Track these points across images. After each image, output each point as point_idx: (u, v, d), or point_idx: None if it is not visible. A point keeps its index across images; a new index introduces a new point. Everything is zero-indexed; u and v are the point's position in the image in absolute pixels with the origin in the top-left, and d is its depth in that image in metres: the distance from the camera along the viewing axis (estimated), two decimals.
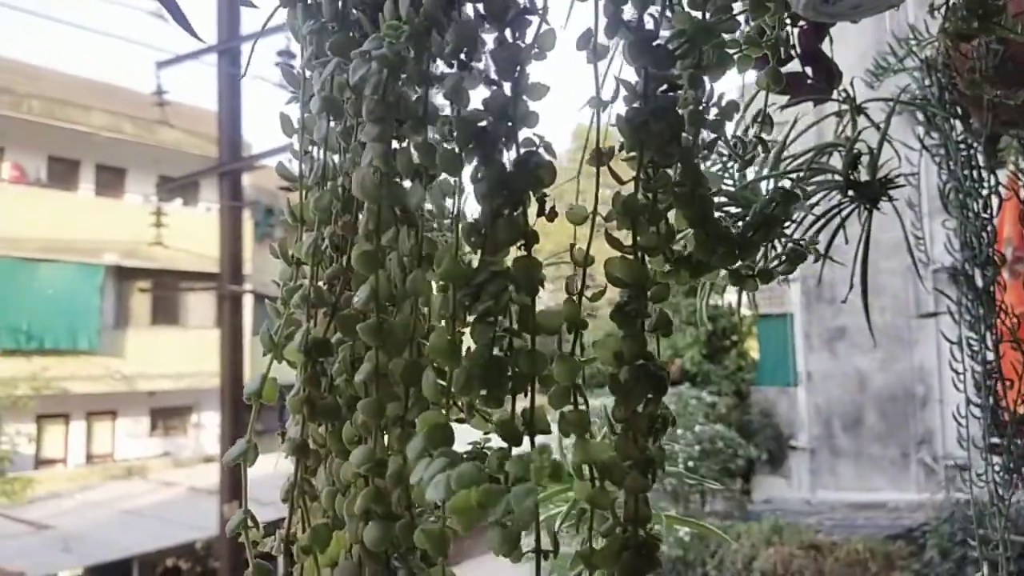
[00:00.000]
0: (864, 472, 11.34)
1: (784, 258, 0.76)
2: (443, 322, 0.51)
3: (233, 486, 8.26)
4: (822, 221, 1.02)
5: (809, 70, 0.94)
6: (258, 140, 10.93)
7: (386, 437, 0.55)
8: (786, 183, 0.87)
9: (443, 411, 0.51)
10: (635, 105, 0.59)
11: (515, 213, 0.52)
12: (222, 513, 8.16)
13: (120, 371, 16.21)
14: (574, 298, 0.55)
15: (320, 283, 0.59)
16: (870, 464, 11.33)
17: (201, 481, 14.26)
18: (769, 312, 12.20)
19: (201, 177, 9.95)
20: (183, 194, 17.16)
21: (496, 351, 0.51)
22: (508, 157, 0.53)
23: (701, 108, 0.67)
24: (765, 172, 1.00)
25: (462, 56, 0.54)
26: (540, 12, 0.56)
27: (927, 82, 1.33)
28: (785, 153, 1.02)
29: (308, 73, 0.61)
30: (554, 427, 0.52)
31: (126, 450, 16.96)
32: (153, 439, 17.58)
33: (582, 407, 0.52)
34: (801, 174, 0.95)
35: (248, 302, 10.45)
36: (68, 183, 16.53)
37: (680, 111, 0.63)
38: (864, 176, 1.03)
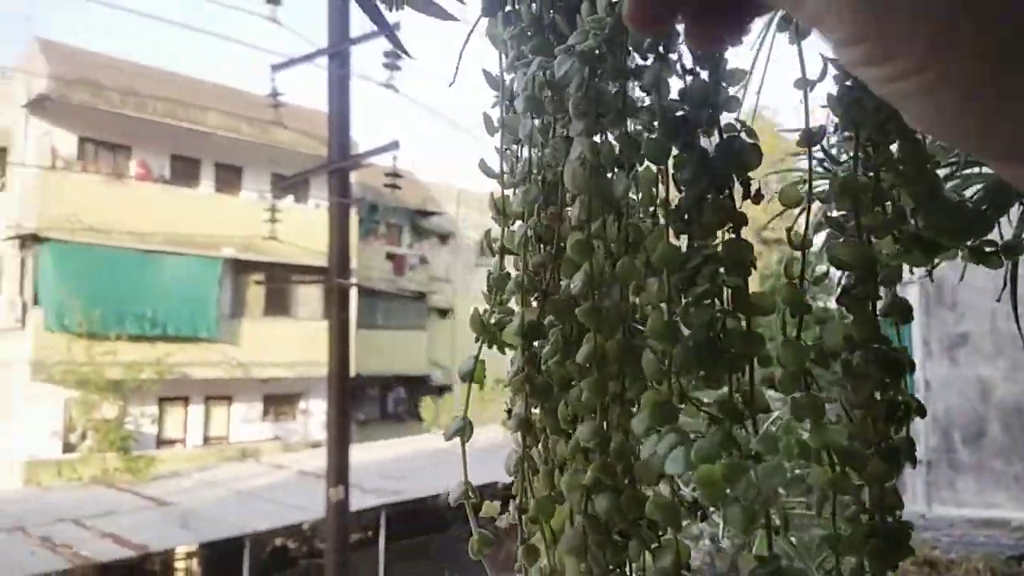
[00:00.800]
0: (985, 487, 10.65)
1: None
2: (661, 305, 0.52)
3: (339, 471, 8.62)
4: None
5: None
6: (364, 139, 11.31)
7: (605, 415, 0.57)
8: None
9: (663, 390, 0.52)
10: (847, 83, 0.57)
11: (721, 196, 0.53)
12: (328, 496, 8.54)
13: (236, 358, 17.13)
14: (795, 281, 0.54)
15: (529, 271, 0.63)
16: (992, 479, 10.64)
17: (308, 465, 14.86)
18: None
19: (312, 175, 10.36)
20: (294, 191, 17.93)
21: (711, 333, 0.52)
22: (710, 143, 0.54)
23: None
24: None
25: (659, 48, 0.55)
26: None
27: None
28: None
29: (509, 76, 0.64)
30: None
31: (240, 433, 17.89)
32: (265, 424, 18.50)
33: (814, 391, 0.52)
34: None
35: (354, 295, 10.81)
36: (190, 180, 17.49)
37: None
38: None
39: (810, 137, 0.58)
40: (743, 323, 0.52)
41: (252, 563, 11.97)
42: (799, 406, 0.52)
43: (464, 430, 0.62)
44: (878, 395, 0.53)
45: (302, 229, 13.66)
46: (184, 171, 17.53)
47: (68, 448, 15.34)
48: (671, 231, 0.54)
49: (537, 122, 0.61)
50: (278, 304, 18.24)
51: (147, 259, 15.79)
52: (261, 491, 13.27)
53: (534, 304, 0.61)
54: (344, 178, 9.10)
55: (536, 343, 0.59)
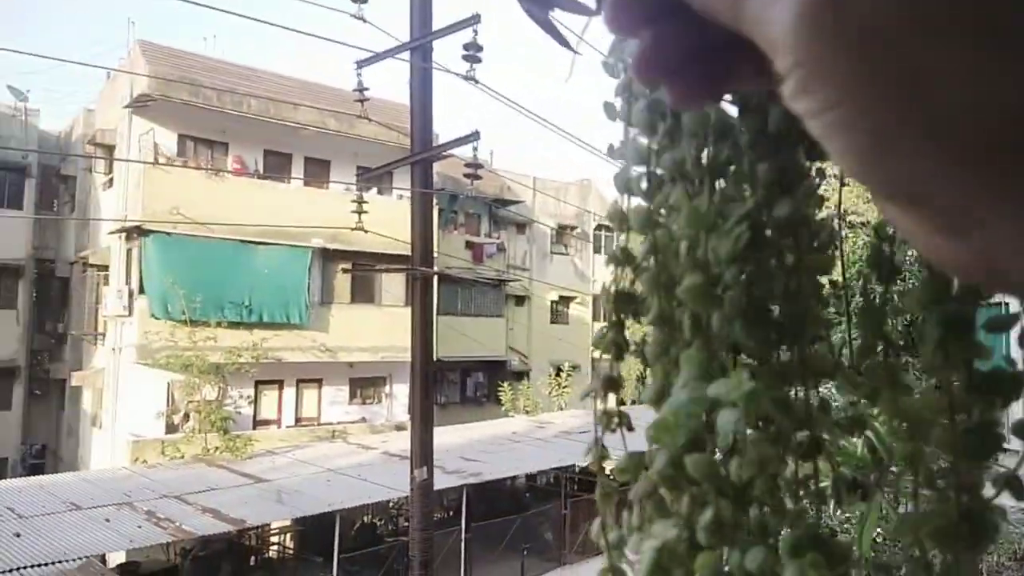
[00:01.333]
0: None
1: None
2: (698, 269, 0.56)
3: (423, 452, 8.76)
4: None
5: None
6: (444, 130, 11.40)
7: None
8: None
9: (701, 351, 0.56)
10: None
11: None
12: (413, 476, 8.70)
13: (324, 344, 17.66)
14: (885, 246, 0.55)
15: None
16: None
17: (393, 446, 15.20)
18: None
19: (395, 167, 10.51)
20: (378, 183, 18.20)
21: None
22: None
23: None
24: None
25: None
26: None
27: None
28: None
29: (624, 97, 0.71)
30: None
31: (329, 415, 18.46)
32: (352, 406, 19.00)
33: (892, 358, 0.51)
34: None
35: (435, 282, 10.96)
36: (281, 174, 18.07)
37: None
38: None
39: None
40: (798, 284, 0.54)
41: (341, 538, 12.29)
42: (874, 373, 0.51)
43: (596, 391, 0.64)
44: (961, 362, 0.50)
45: (386, 219, 13.80)
46: (276, 165, 18.12)
47: (171, 428, 16.07)
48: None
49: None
50: (364, 292, 18.67)
51: (243, 249, 16.40)
52: (349, 470, 13.58)
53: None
54: (426, 169, 9.12)
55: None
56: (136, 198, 15.90)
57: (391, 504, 14.21)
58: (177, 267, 15.39)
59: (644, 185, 0.65)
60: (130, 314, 15.86)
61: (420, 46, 8.85)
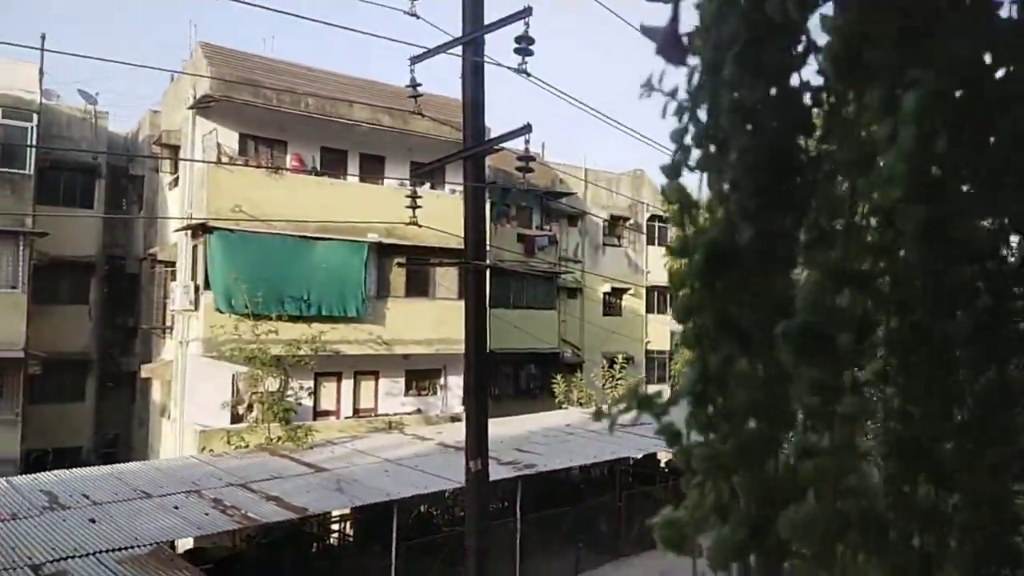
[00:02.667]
0: None
1: None
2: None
3: (478, 444, 8.78)
4: None
5: None
6: (496, 123, 11.41)
7: None
8: None
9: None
10: None
11: None
12: (468, 467, 8.72)
13: (380, 336, 17.88)
14: None
15: None
16: None
17: (448, 437, 15.31)
18: None
19: (448, 162, 10.57)
20: (431, 177, 18.28)
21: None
22: None
23: None
24: None
25: None
26: None
27: None
28: None
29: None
30: None
31: (386, 406, 18.70)
32: (408, 398, 19.22)
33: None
34: None
35: (487, 275, 10.97)
36: (338, 170, 18.32)
37: None
38: None
39: None
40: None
41: (399, 527, 12.41)
42: None
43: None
44: None
45: (439, 214, 13.85)
46: (333, 162, 18.38)
47: (236, 419, 16.53)
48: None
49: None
50: (418, 285, 18.82)
51: (302, 245, 16.72)
52: (406, 460, 13.74)
53: None
54: (479, 163, 9.12)
55: None
56: (200, 196, 16.36)
57: (447, 494, 14.31)
58: (240, 262, 15.80)
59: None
60: (196, 308, 16.31)
61: (472, 41, 8.81)
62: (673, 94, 0.76)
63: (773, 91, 0.70)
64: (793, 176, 0.71)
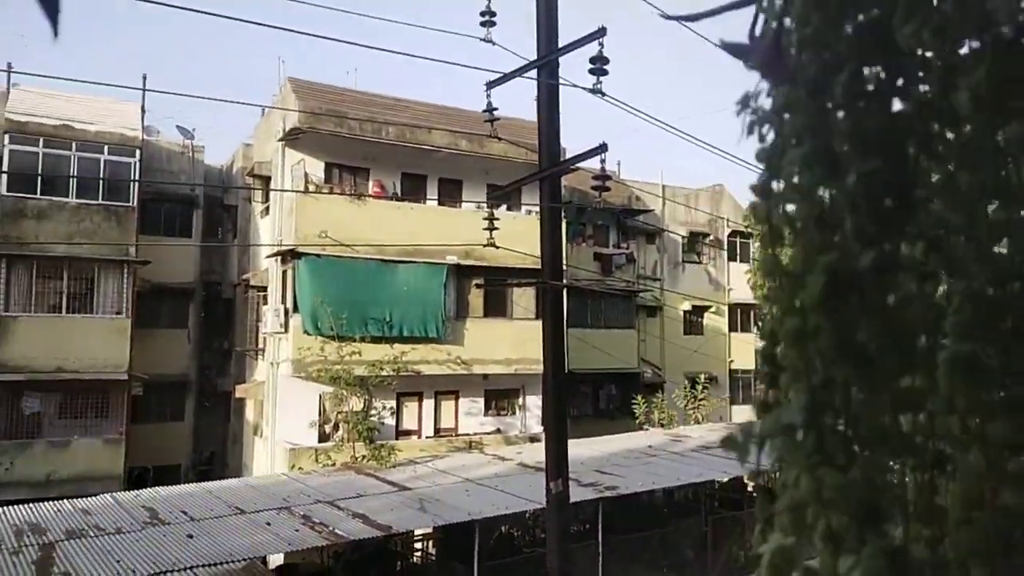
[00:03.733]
0: None
1: None
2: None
3: (558, 464, 8.65)
4: None
5: None
6: (572, 143, 11.44)
7: None
8: None
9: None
10: None
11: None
12: (549, 488, 8.62)
13: (460, 357, 18.07)
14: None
15: None
16: None
17: (528, 458, 15.23)
18: None
19: (524, 184, 10.64)
20: (507, 199, 18.50)
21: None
22: None
23: None
24: None
25: None
26: None
27: None
28: None
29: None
30: None
31: (466, 426, 18.83)
32: (487, 417, 19.32)
33: None
34: None
35: (565, 295, 10.91)
36: (417, 195, 18.75)
37: None
38: None
39: None
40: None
41: (481, 547, 12.45)
42: None
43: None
44: None
45: (516, 235, 13.91)
46: (413, 187, 18.82)
47: (323, 438, 16.96)
48: None
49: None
50: (496, 306, 18.97)
51: (384, 268, 17.12)
52: (487, 480, 13.76)
53: None
54: (555, 184, 9.14)
55: None
56: (289, 223, 16.98)
57: (528, 515, 14.23)
58: (325, 286, 16.29)
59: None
60: (286, 331, 16.84)
61: (547, 63, 8.84)
62: (756, 111, 0.76)
63: (893, 114, 0.70)
64: (915, 201, 0.70)
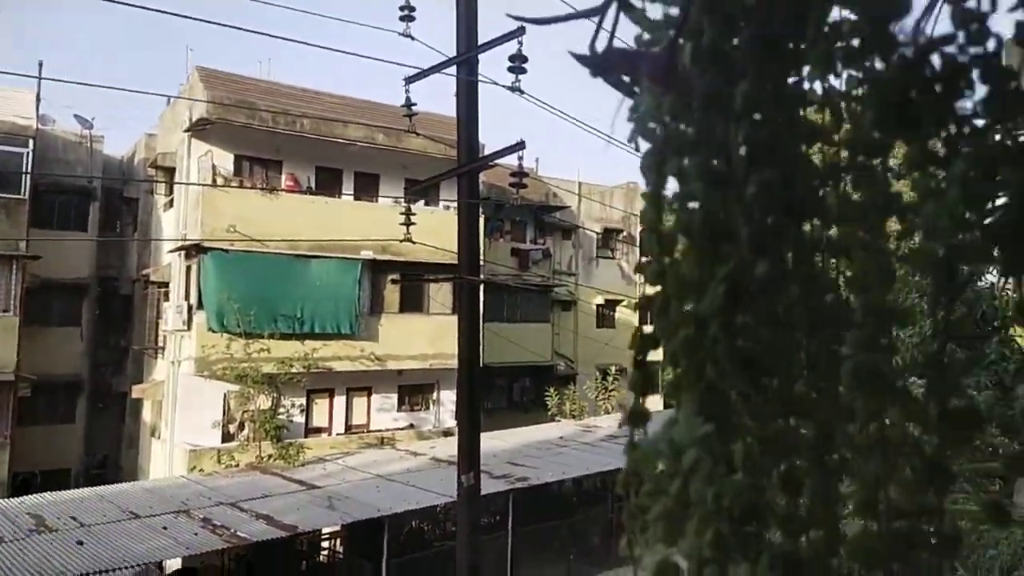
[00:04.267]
0: None
1: None
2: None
3: (470, 458, 8.73)
4: None
5: None
6: (490, 139, 11.51)
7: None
8: None
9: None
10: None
11: None
12: (460, 482, 8.68)
13: (374, 353, 17.90)
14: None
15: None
16: None
17: (441, 452, 15.26)
18: None
19: (442, 179, 10.63)
20: (425, 195, 18.49)
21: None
22: None
23: None
24: None
25: None
26: None
27: None
28: None
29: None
30: None
31: (378, 422, 18.65)
32: (401, 413, 19.19)
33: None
34: None
35: (481, 290, 11.00)
36: (333, 189, 18.46)
37: None
38: None
39: None
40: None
41: (390, 543, 12.44)
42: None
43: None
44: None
45: (433, 230, 13.94)
46: (328, 181, 18.53)
47: (227, 438, 16.46)
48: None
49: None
50: (412, 301, 18.89)
51: (296, 263, 16.79)
52: (398, 476, 13.74)
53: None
54: (473, 180, 9.16)
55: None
56: (195, 217, 16.43)
57: (439, 509, 14.27)
58: (233, 282, 15.84)
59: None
60: (189, 328, 16.31)
61: (466, 60, 8.90)
62: (642, 119, 0.76)
63: (787, 127, 0.72)
64: (810, 213, 0.72)
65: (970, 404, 0.63)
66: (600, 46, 0.76)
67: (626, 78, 0.77)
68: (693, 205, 0.72)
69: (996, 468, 10.06)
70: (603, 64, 0.76)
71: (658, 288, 0.74)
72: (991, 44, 0.66)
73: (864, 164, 0.70)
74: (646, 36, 0.79)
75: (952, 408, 0.64)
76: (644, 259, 0.76)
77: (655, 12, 0.79)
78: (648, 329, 0.77)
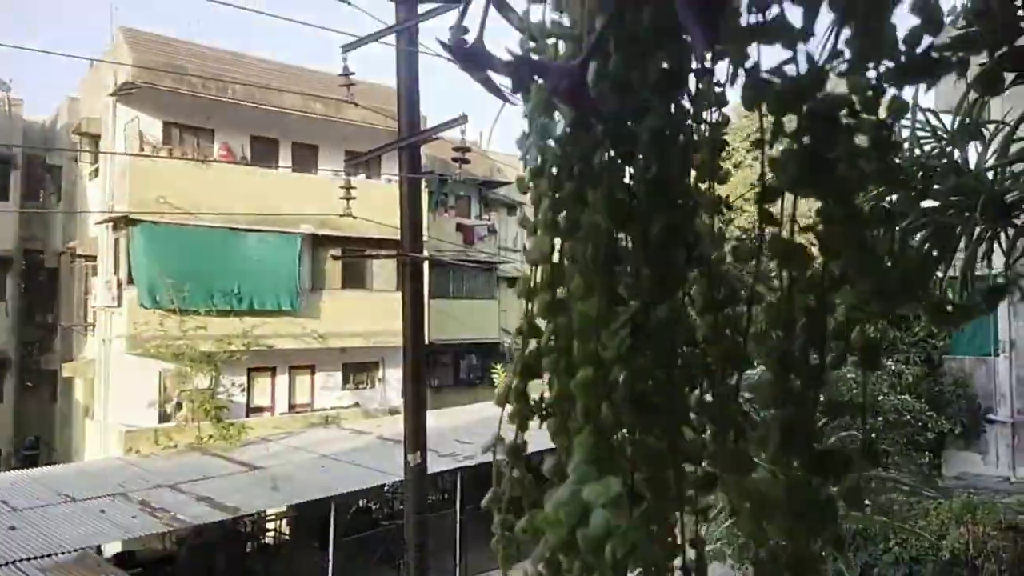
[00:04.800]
0: None
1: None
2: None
3: (416, 437, 8.73)
4: None
5: None
6: (433, 113, 11.28)
7: None
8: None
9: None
10: (792, 147, 0.61)
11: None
12: (407, 460, 8.64)
13: (316, 330, 17.60)
14: (736, 337, 0.63)
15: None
16: None
17: (387, 431, 15.18)
18: None
19: (383, 152, 10.42)
20: (367, 167, 18.08)
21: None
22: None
23: (884, 134, 0.61)
24: (992, 159, 0.90)
25: None
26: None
27: None
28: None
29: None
30: None
31: (322, 401, 18.45)
32: (345, 392, 19.00)
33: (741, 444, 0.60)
34: None
35: (426, 266, 10.89)
36: (269, 160, 17.92)
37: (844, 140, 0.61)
38: None
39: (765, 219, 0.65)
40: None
41: (337, 523, 12.27)
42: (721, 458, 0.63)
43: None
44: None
45: (375, 204, 13.75)
46: (264, 152, 17.97)
47: (164, 418, 16.02)
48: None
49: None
50: (355, 277, 18.61)
51: (232, 237, 16.28)
52: (343, 455, 13.58)
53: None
54: (414, 153, 9.02)
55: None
56: (122, 187, 15.76)
57: (387, 488, 14.23)
58: (165, 256, 15.29)
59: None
60: (119, 304, 15.76)
61: (406, 29, 8.76)
62: (544, 149, 0.72)
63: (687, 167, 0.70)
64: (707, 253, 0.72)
65: (838, 447, 0.61)
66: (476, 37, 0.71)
67: (499, 78, 0.71)
68: (583, 237, 0.69)
69: (926, 442, 10.52)
70: (473, 59, 0.71)
71: (546, 322, 0.73)
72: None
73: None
74: (531, 43, 0.75)
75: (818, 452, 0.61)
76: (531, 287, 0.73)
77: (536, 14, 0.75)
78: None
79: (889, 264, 0.61)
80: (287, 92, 17.19)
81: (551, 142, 0.70)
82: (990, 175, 1.16)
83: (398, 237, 9.29)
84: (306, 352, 17.80)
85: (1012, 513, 8.15)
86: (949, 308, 0.63)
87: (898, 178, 0.81)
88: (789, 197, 0.64)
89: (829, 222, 0.60)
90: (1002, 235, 1.13)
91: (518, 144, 0.75)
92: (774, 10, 0.64)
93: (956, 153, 1.27)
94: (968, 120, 1.22)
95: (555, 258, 0.71)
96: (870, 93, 0.62)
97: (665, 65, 0.67)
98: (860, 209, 0.62)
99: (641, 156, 0.67)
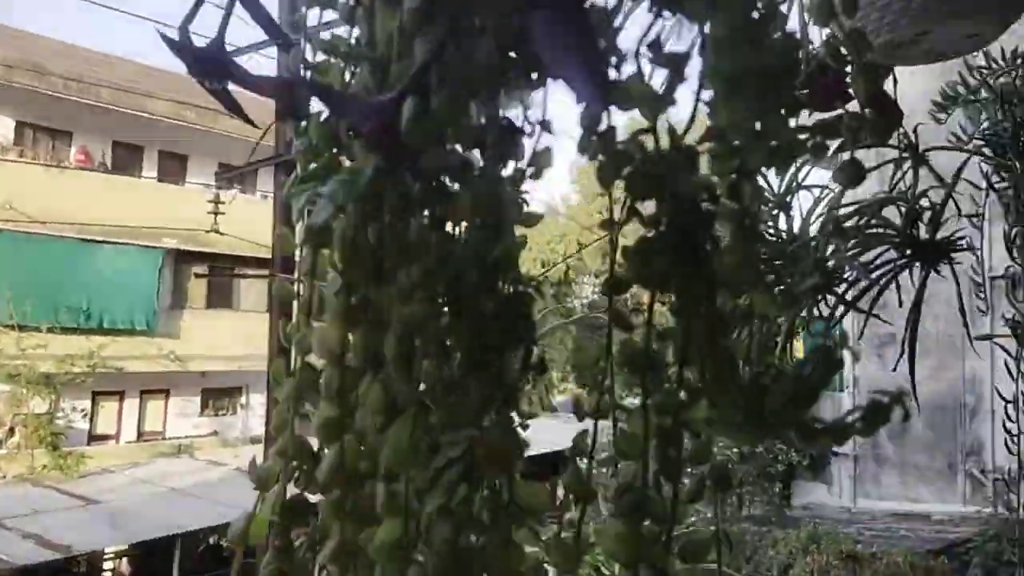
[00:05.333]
0: (909, 481, 11.12)
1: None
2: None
3: None
4: (877, 278, 0.96)
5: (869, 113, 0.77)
6: None
7: None
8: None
9: None
10: (649, 234, 0.54)
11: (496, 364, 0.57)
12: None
13: (174, 352, 16.66)
14: (584, 462, 0.56)
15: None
16: (915, 474, 11.11)
17: (246, 462, 14.55)
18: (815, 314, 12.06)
19: (258, 167, 10.12)
20: (241, 182, 17.56)
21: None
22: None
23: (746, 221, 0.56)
24: (814, 228, 0.92)
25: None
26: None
27: (999, 116, 1.19)
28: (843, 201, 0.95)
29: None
30: None
31: (177, 428, 17.41)
32: (203, 418, 18.06)
33: None
34: (857, 227, 0.87)
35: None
36: (132, 168, 17.02)
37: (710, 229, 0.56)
38: (924, 234, 0.94)
39: (613, 290, 0.58)
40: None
41: (183, 562, 11.74)
42: None
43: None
44: None
45: (248, 220, 13.39)
46: (126, 159, 17.09)
47: None
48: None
49: None
50: (221, 296, 17.88)
51: (84, 249, 15.29)
52: (195, 488, 12.96)
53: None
54: (292, 169, 8.94)
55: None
56: None
57: None
58: (4, 267, 14.16)
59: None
60: None
61: (287, 42, 8.62)
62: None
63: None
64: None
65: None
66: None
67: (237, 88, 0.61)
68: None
69: (777, 473, 11.13)
70: (207, 65, 0.60)
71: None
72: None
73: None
74: (315, 59, 0.67)
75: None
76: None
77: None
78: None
79: (766, 382, 0.54)
80: (157, 98, 16.53)
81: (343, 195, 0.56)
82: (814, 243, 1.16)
83: (269, 256, 9.09)
84: (161, 375, 16.83)
85: (851, 542, 8.69)
86: (818, 427, 0.55)
87: (761, 274, 0.76)
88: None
89: (689, 321, 0.53)
90: (822, 302, 1.15)
91: (286, 193, 0.64)
92: (629, 67, 0.57)
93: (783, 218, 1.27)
94: (795, 183, 1.22)
95: (348, 358, 0.58)
96: (734, 176, 0.57)
97: (503, 114, 0.59)
98: (722, 309, 0.56)
99: (464, 224, 0.58)
